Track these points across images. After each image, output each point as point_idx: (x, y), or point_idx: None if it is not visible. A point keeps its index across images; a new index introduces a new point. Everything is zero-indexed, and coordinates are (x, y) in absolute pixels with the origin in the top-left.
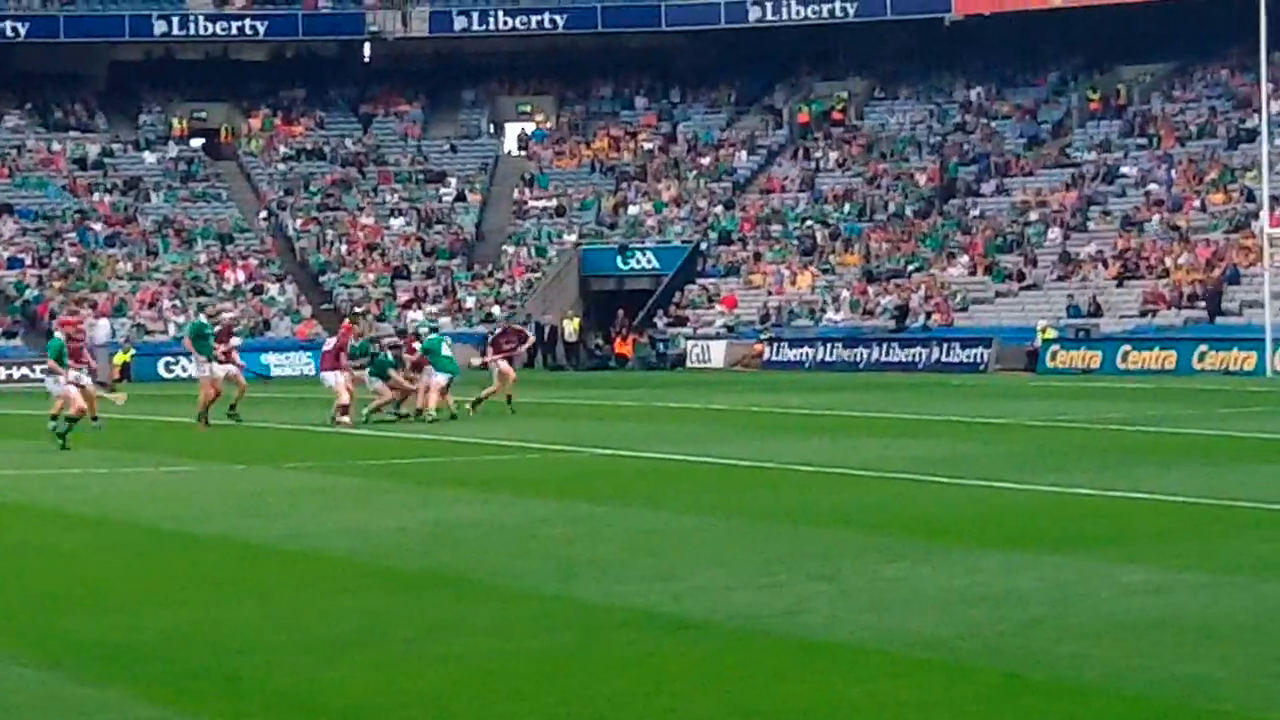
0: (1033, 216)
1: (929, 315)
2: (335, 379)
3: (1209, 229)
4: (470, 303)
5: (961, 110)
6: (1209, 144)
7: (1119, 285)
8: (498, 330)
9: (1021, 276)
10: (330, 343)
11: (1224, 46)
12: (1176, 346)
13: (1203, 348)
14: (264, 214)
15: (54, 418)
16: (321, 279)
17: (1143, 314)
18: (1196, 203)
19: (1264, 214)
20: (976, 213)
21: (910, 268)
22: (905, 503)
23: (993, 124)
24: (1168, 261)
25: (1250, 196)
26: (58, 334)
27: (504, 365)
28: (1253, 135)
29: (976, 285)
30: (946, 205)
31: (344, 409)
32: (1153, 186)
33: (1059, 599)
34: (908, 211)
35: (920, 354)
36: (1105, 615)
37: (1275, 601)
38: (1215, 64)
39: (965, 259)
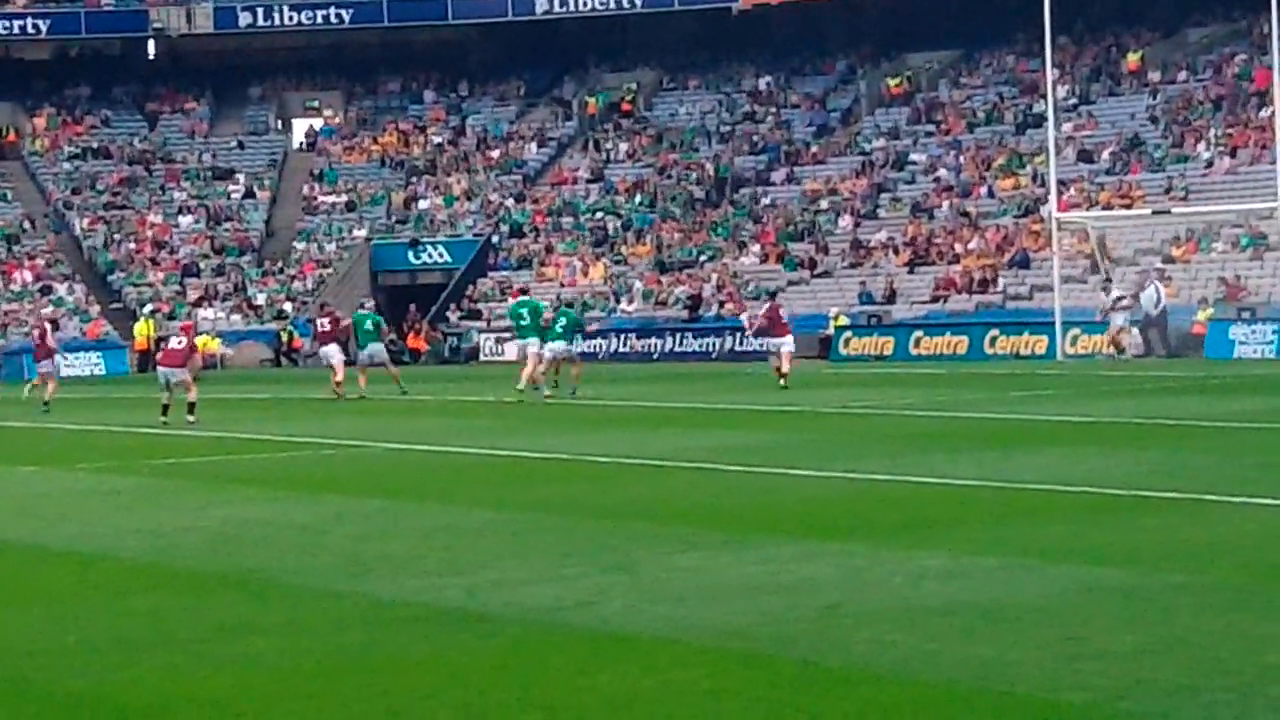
0: (823, 204)
1: (722, 305)
2: (334, 353)
3: (998, 214)
4: (261, 300)
5: (750, 99)
6: (997, 130)
7: (910, 272)
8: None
9: (813, 264)
10: (324, 323)
11: (1010, 33)
12: (968, 332)
13: (994, 332)
14: (47, 213)
15: None
16: (110, 278)
17: (934, 300)
18: (985, 189)
19: (1052, 198)
20: (767, 201)
21: (702, 258)
22: (701, 493)
23: (782, 113)
24: (958, 247)
25: (1039, 181)
26: None
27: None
28: (1040, 120)
29: (769, 274)
30: (737, 195)
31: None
32: (942, 173)
33: (853, 586)
34: (697, 202)
35: (714, 343)
36: (899, 601)
37: (1065, 584)
38: (1002, 50)
39: (757, 248)
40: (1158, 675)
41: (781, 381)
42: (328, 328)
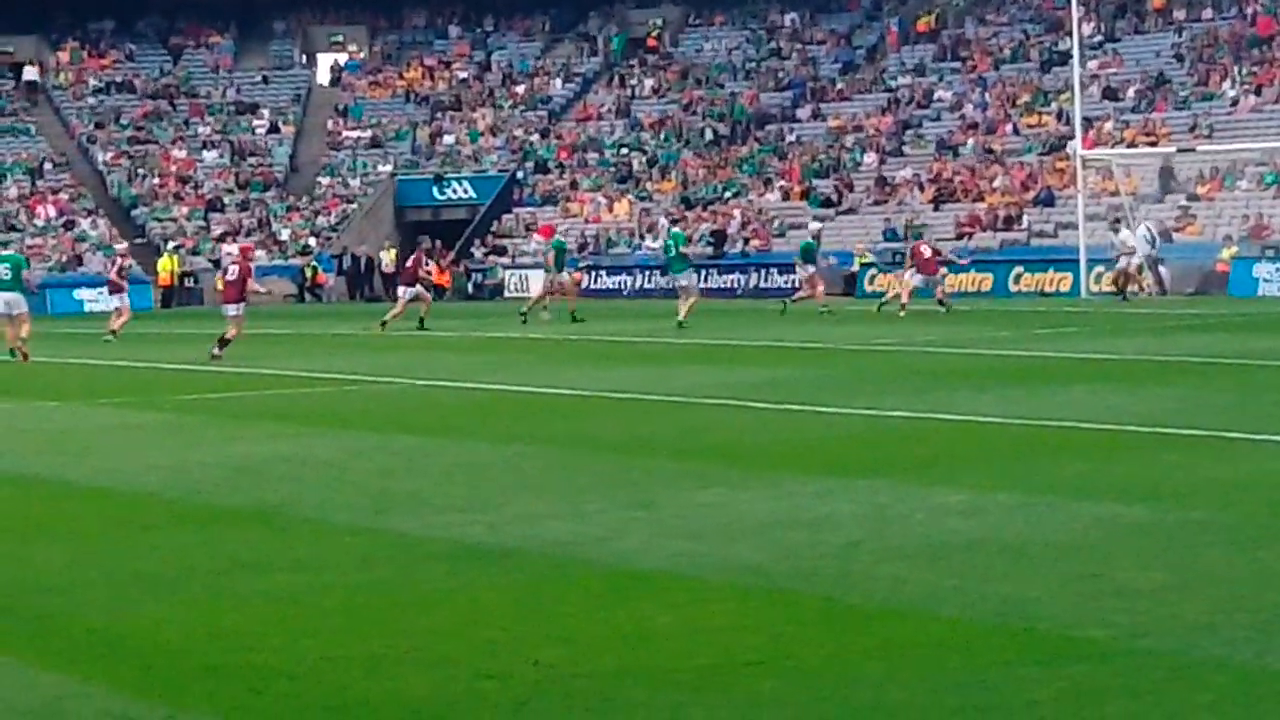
0: (848, 141)
1: (746, 241)
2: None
3: (1023, 152)
4: (285, 235)
5: (776, 36)
6: (1022, 67)
7: (935, 209)
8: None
9: (838, 201)
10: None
11: None
12: (992, 269)
13: (1018, 269)
14: (69, 148)
15: None
16: (134, 213)
17: (959, 237)
18: (1010, 126)
19: (1077, 136)
20: (793, 138)
21: (727, 194)
22: (721, 429)
23: (808, 49)
24: (983, 185)
25: (1064, 119)
26: None
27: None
28: (1065, 58)
29: (793, 211)
30: (762, 131)
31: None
32: (967, 110)
33: (875, 522)
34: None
35: (738, 280)
36: (921, 538)
37: (1086, 521)
38: None
39: (782, 184)
40: (1179, 612)
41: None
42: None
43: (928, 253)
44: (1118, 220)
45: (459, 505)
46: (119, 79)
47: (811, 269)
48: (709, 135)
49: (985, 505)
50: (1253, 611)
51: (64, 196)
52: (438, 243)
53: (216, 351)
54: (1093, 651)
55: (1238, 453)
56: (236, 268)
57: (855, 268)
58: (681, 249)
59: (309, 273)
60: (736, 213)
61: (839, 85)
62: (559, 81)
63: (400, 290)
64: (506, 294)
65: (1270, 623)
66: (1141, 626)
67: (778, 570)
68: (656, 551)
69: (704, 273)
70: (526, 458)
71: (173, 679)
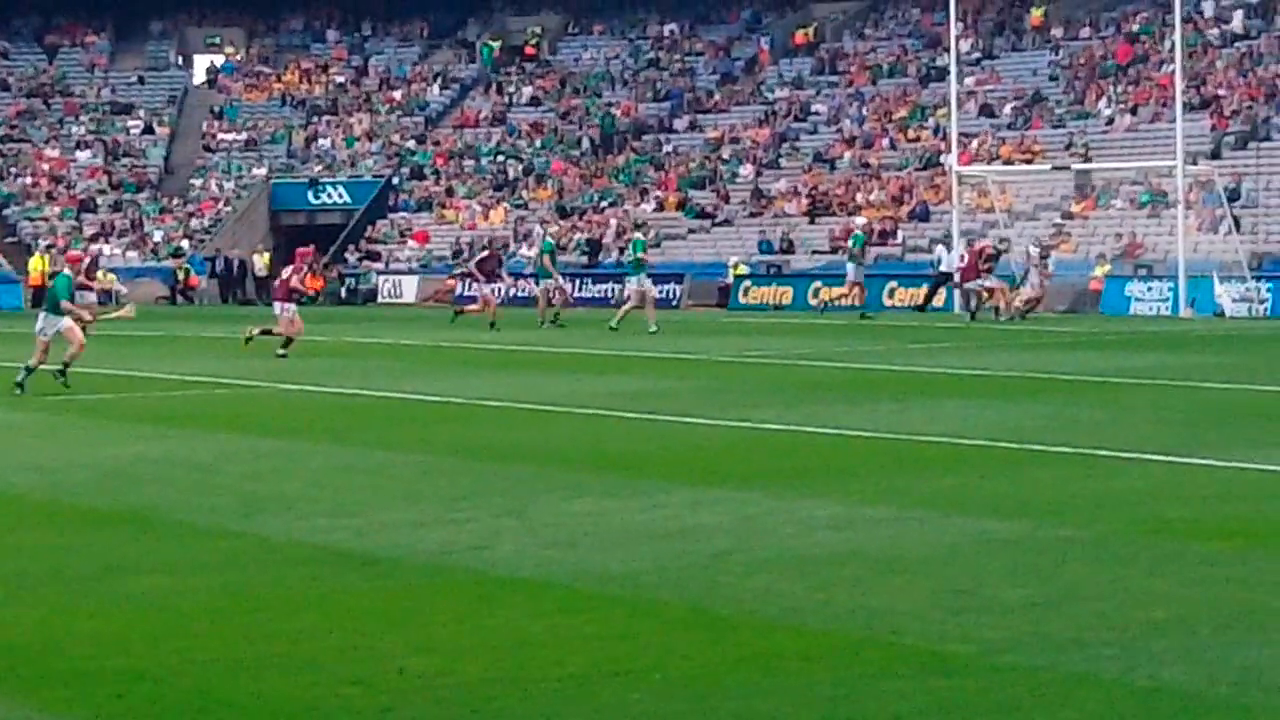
0: (725, 153)
1: (621, 251)
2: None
3: (899, 166)
4: (158, 237)
5: (655, 46)
6: (900, 82)
7: (810, 222)
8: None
9: (714, 213)
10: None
11: None
12: (866, 283)
13: (892, 284)
14: None
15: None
16: (5, 212)
17: (833, 250)
18: (886, 140)
19: (953, 152)
20: (670, 148)
21: (603, 203)
22: (595, 438)
23: (686, 60)
24: (858, 198)
25: (940, 134)
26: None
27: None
28: (943, 74)
29: (669, 221)
30: (639, 141)
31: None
32: (844, 124)
33: (744, 533)
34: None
35: (613, 289)
36: (790, 550)
37: (956, 536)
38: (906, 3)
39: (658, 195)
40: (1045, 628)
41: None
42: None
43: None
44: (949, 235)
45: (327, 510)
46: None
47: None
48: (586, 144)
49: (855, 518)
50: (1119, 628)
51: None
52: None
53: (281, 351)
54: (959, 666)
55: (1106, 470)
56: (291, 267)
57: (730, 279)
58: (640, 255)
59: (181, 275)
60: (612, 222)
61: (717, 96)
62: (436, 87)
63: (276, 307)
64: (380, 299)
65: (1136, 639)
66: (1008, 642)
67: (647, 580)
68: (527, 560)
69: (578, 282)
70: (398, 464)
71: (36, 681)
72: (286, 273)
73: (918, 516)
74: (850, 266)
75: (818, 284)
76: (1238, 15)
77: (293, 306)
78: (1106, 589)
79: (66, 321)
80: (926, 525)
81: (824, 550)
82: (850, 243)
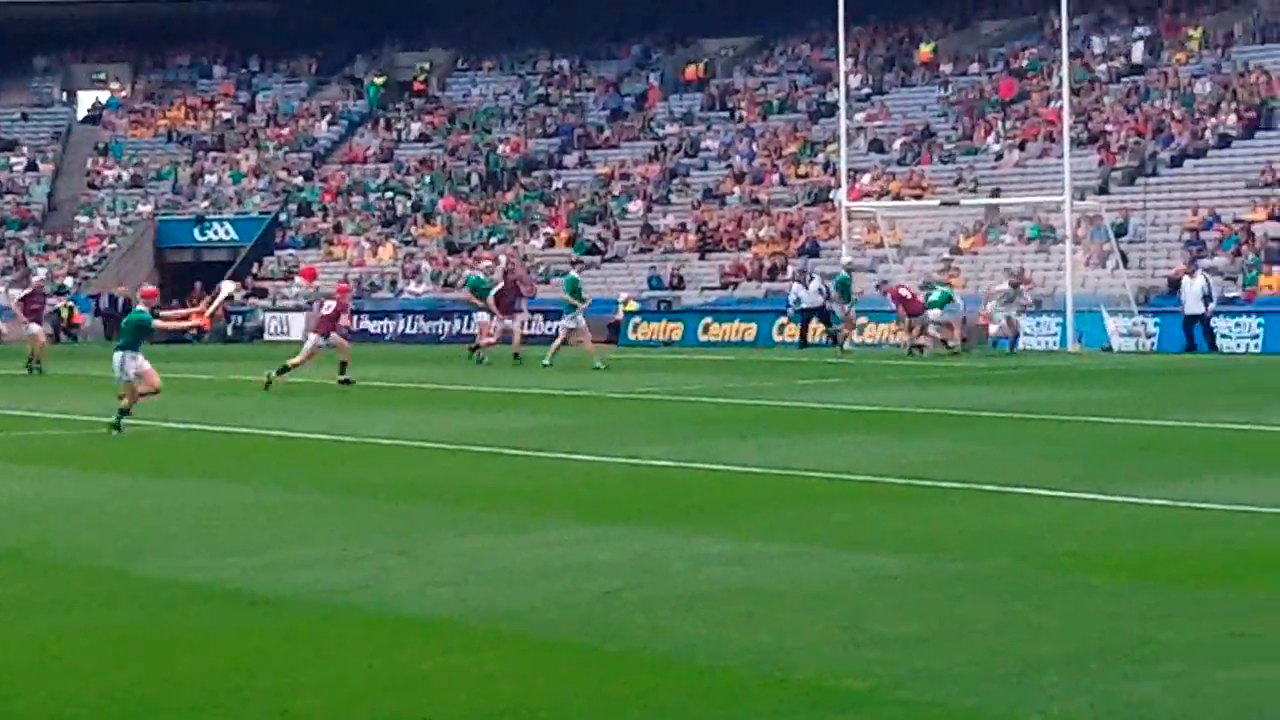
0: (615, 189)
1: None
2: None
3: (789, 202)
4: (42, 274)
5: (545, 81)
6: (790, 118)
7: (701, 258)
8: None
9: (604, 248)
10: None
11: (804, 21)
12: (757, 319)
13: (783, 320)
14: None
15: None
16: None
17: (723, 286)
18: (777, 176)
19: (843, 187)
20: (560, 184)
21: (492, 239)
22: (486, 475)
23: (576, 95)
24: (749, 234)
25: (830, 170)
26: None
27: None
28: (832, 109)
29: (559, 257)
30: (529, 177)
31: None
32: (734, 159)
33: (635, 570)
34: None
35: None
36: (681, 586)
37: (846, 571)
38: (796, 39)
39: (547, 231)
40: (935, 664)
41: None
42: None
43: (908, 294)
44: (804, 270)
45: (216, 549)
46: None
47: (849, 306)
48: (475, 180)
49: (746, 554)
50: (1009, 663)
51: None
52: (197, 284)
53: (275, 374)
54: (850, 702)
55: (997, 504)
56: (334, 303)
57: (619, 315)
58: (567, 294)
59: (65, 313)
60: (502, 258)
61: (607, 132)
62: (324, 123)
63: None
64: (267, 336)
65: (1025, 675)
66: (899, 678)
67: (538, 617)
68: (419, 598)
69: (465, 319)
70: (288, 502)
71: None
72: (330, 308)
73: (809, 552)
74: (935, 312)
75: (708, 320)
76: (1138, 47)
77: (325, 339)
78: (997, 624)
79: None
80: (818, 561)
81: (715, 586)
82: (833, 285)
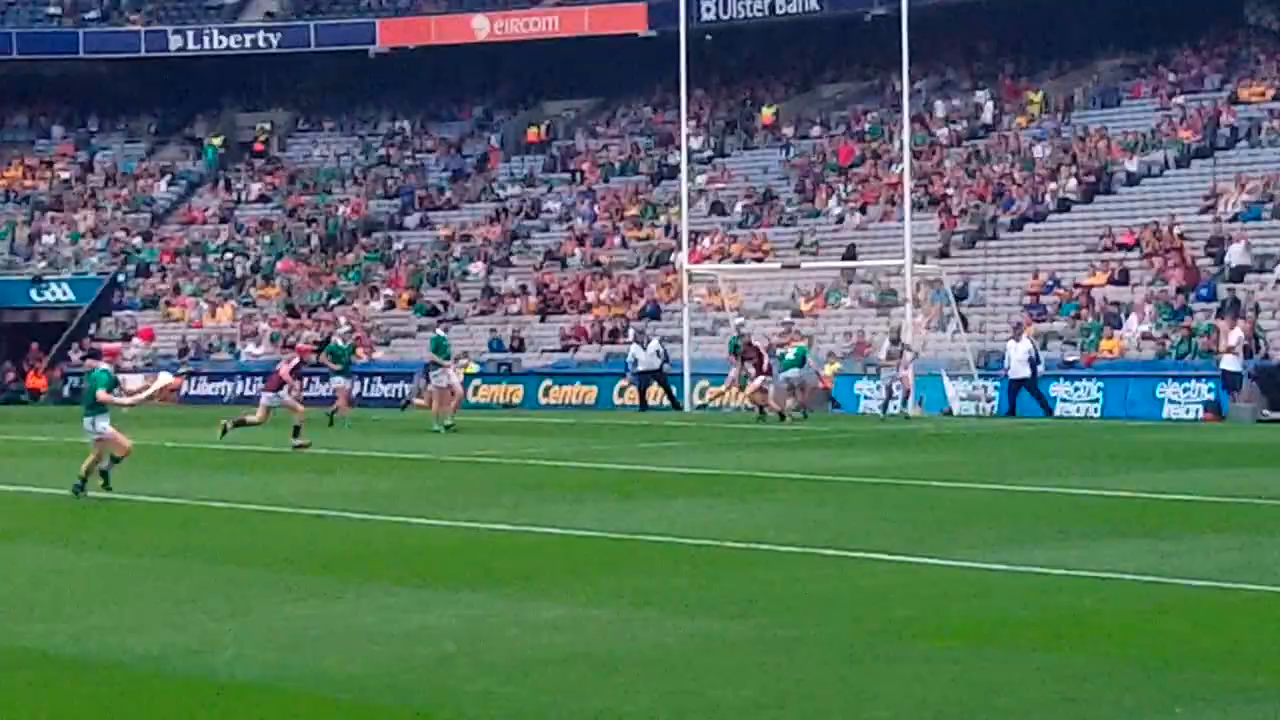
0: (456, 250)
1: (352, 350)
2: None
3: (630, 264)
4: None
5: (386, 143)
6: (631, 180)
7: (541, 320)
8: None
9: (445, 310)
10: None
11: (646, 84)
12: (597, 382)
13: (623, 382)
14: None
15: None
16: None
17: (564, 349)
18: (618, 238)
19: (684, 250)
20: (400, 246)
21: (332, 301)
22: (318, 539)
23: (418, 156)
24: (589, 296)
25: (671, 232)
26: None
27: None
28: (674, 172)
29: (399, 319)
30: (369, 238)
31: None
32: (576, 221)
33: (470, 636)
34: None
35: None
36: (515, 653)
37: (682, 636)
38: (638, 101)
39: (388, 293)
40: None
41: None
42: None
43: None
44: (641, 332)
45: (41, 614)
46: None
47: (741, 369)
48: (315, 241)
49: (581, 619)
50: None
51: None
52: (33, 345)
53: (234, 421)
54: None
55: (832, 569)
56: (286, 361)
57: (460, 377)
58: (432, 352)
59: None
60: (342, 320)
61: (448, 194)
62: (163, 184)
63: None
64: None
65: None
66: None
67: (371, 684)
68: (249, 663)
69: (305, 380)
70: (118, 567)
71: None
72: (282, 365)
73: (644, 617)
74: (794, 371)
75: (548, 382)
76: (980, 111)
77: (276, 396)
78: (831, 689)
79: None
80: (654, 626)
81: (549, 652)
82: (794, 354)
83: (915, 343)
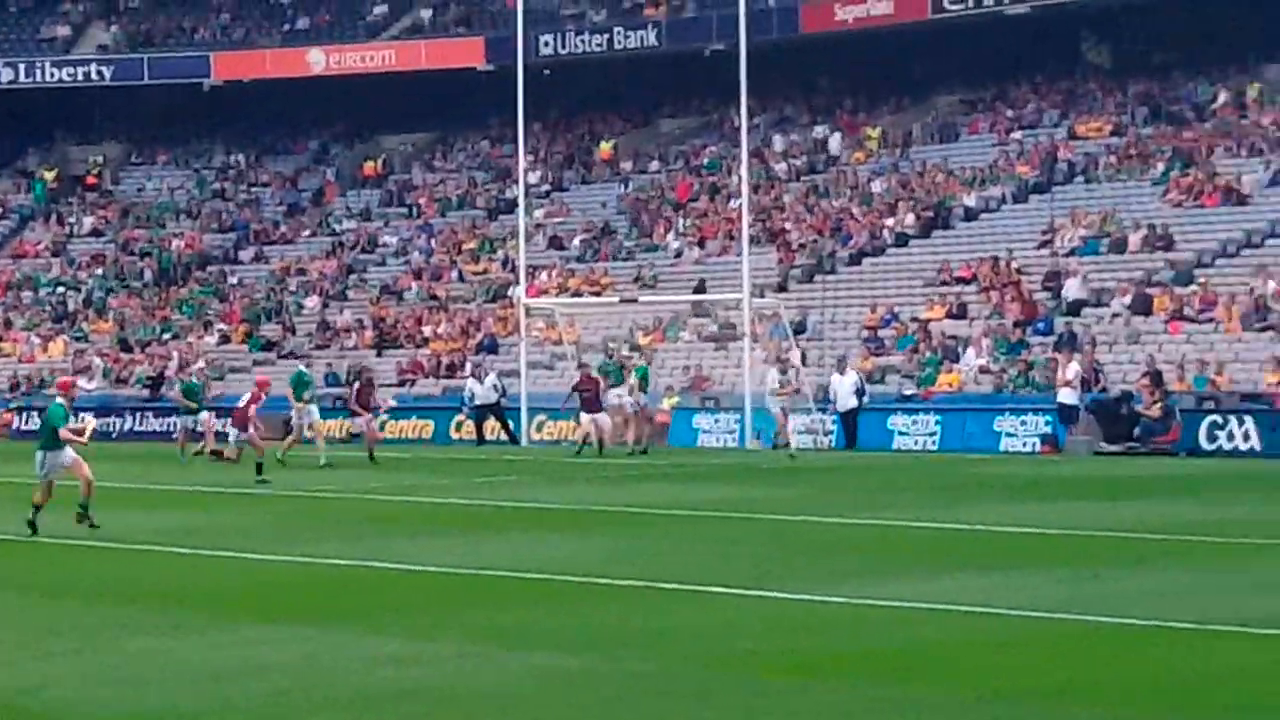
0: (291, 284)
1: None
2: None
3: (467, 299)
4: None
5: (220, 176)
6: (469, 214)
7: (378, 354)
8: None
9: (280, 344)
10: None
11: (484, 118)
12: (434, 416)
13: (460, 417)
14: None
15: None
16: None
17: (401, 383)
18: (455, 273)
19: (521, 284)
20: (235, 280)
21: (165, 335)
22: (156, 575)
23: (253, 190)
24: (426, 330)
25: (509, 266)
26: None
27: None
28: (512, 206)
29: (234, 354)
30: (204, 272)
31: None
32: (413, 256)
33: (307, 671)
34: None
35: (175, 423)
36: (353, 687)
37: (520, 670)
38: (475, 135)
39: (222, 327)
40: None
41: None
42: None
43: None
44: (479, 366)
45: None
46: None
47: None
48: (148, 276)
49: (419, 654)
50: None
51: None
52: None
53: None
54: None
55: (670, 603)
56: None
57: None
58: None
59: None
60: (175, 354)
61: (283, 228)
62: None
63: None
64: None
65: None
66: None
67: (209, 719)
68: (86, 700)
69: (138, 416)
70: None
71: None
72: (244, 400)
73: (481, 652)
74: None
75: (384, 416)
76: (818, 146)
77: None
78: None
79: None
80: (490, 661)
81: (386, 687)
82: (633, 377)
83: (753, 377)
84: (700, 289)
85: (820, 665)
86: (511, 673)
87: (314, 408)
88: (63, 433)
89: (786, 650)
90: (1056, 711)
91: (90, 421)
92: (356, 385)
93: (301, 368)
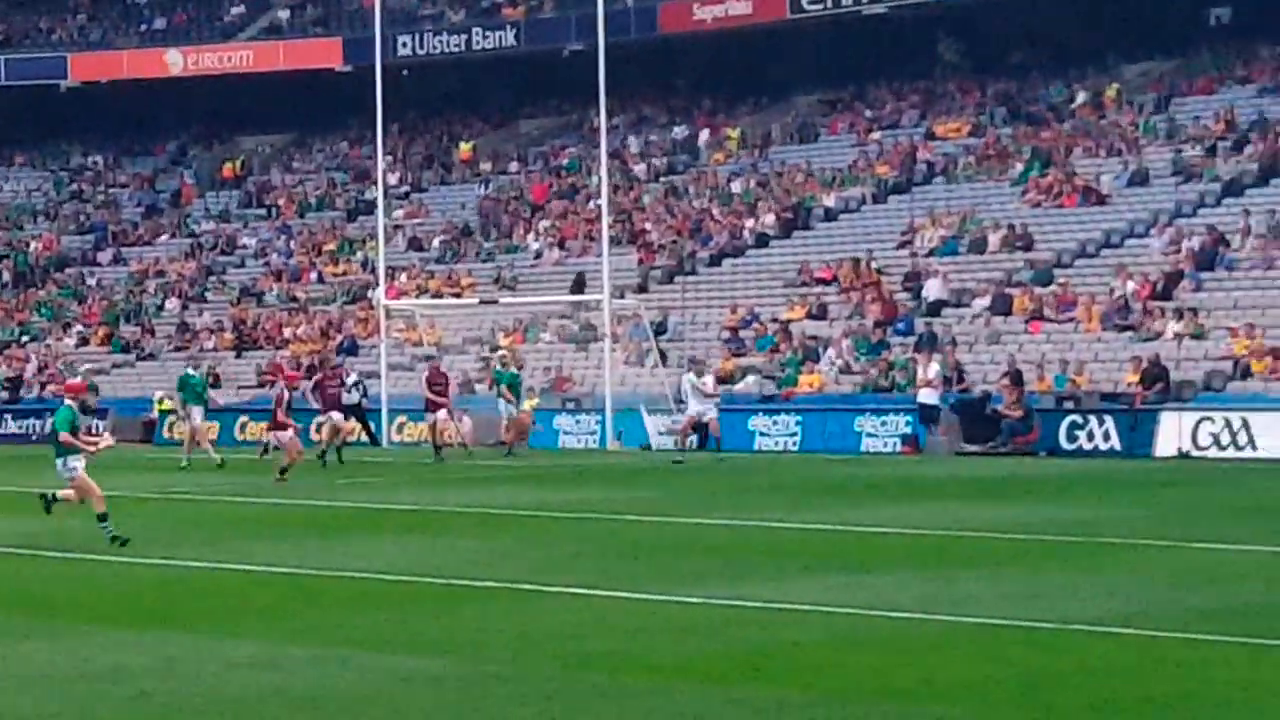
0: (150, 286)
1: (44, 386)
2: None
3: (327, 300)
4: None
5: (78, 178)
6: (328, 215)
7: (237, 356)
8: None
9: (139, 346)
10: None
11: (343, 119)
12: (294, 418)
13: (320, 418)
14: None
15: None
16: None
17: (260, 385)
18: (315, 274)
19: (381, 285)
20: (93, 282)
21: (24, 338)
22: (10, 579)
23: (110, 192)
24: (286, 332)
25: (369, 268)
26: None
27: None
28: (371, 207)
29: (93, 355)
30: (62, 274)
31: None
32: (272, 257)
33: (164, 675)
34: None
35: (34, 425)
36: (211, 690)
37: (379, 674)
38: (334, 136)
39: (80, 329)
40: None
41: None
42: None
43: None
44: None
45: None
46: None
47: (516, 407)
48: (5, 277)
49: (277, 657)
50: None
51: None
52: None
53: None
54: None
55: (531, 604)
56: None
57: (155, 414)
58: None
59: None
60: (33, 357)
61: (141, 229)
62: None
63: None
64: None
65: None
66: None
67: None
68: None
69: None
70: None
71: None
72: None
73: (340, 655)
74: (503, 405)
75: (244, 418)
76: (677, 147)
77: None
78: None
79: None
80: (350, 664)
81: (246, 690)
82: (503, 382)
83: (614, 378)
84: (580, 285)
85: (678, 666)
86: (370, 675)
87: (198, 409)
88: (64, 436)
89: (642, 651)
90: (913, 711)
91: (107, 439)
92: (318, 377)
93: (189, 369)
